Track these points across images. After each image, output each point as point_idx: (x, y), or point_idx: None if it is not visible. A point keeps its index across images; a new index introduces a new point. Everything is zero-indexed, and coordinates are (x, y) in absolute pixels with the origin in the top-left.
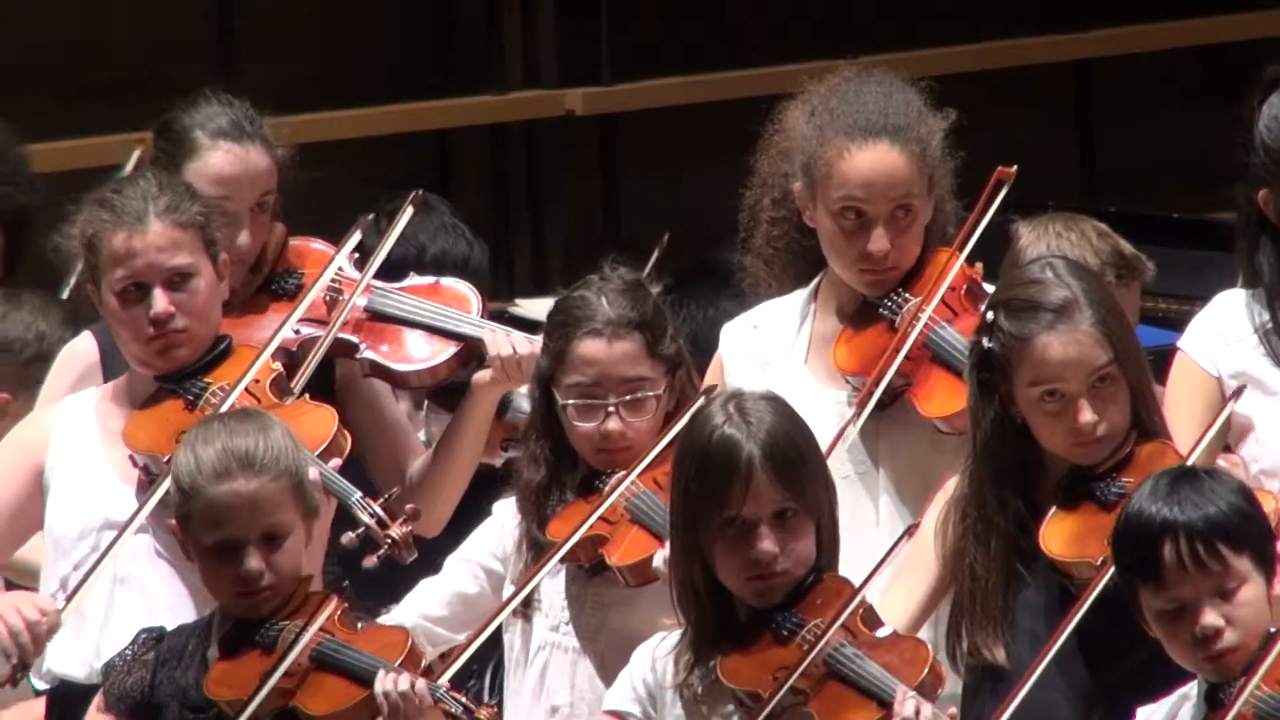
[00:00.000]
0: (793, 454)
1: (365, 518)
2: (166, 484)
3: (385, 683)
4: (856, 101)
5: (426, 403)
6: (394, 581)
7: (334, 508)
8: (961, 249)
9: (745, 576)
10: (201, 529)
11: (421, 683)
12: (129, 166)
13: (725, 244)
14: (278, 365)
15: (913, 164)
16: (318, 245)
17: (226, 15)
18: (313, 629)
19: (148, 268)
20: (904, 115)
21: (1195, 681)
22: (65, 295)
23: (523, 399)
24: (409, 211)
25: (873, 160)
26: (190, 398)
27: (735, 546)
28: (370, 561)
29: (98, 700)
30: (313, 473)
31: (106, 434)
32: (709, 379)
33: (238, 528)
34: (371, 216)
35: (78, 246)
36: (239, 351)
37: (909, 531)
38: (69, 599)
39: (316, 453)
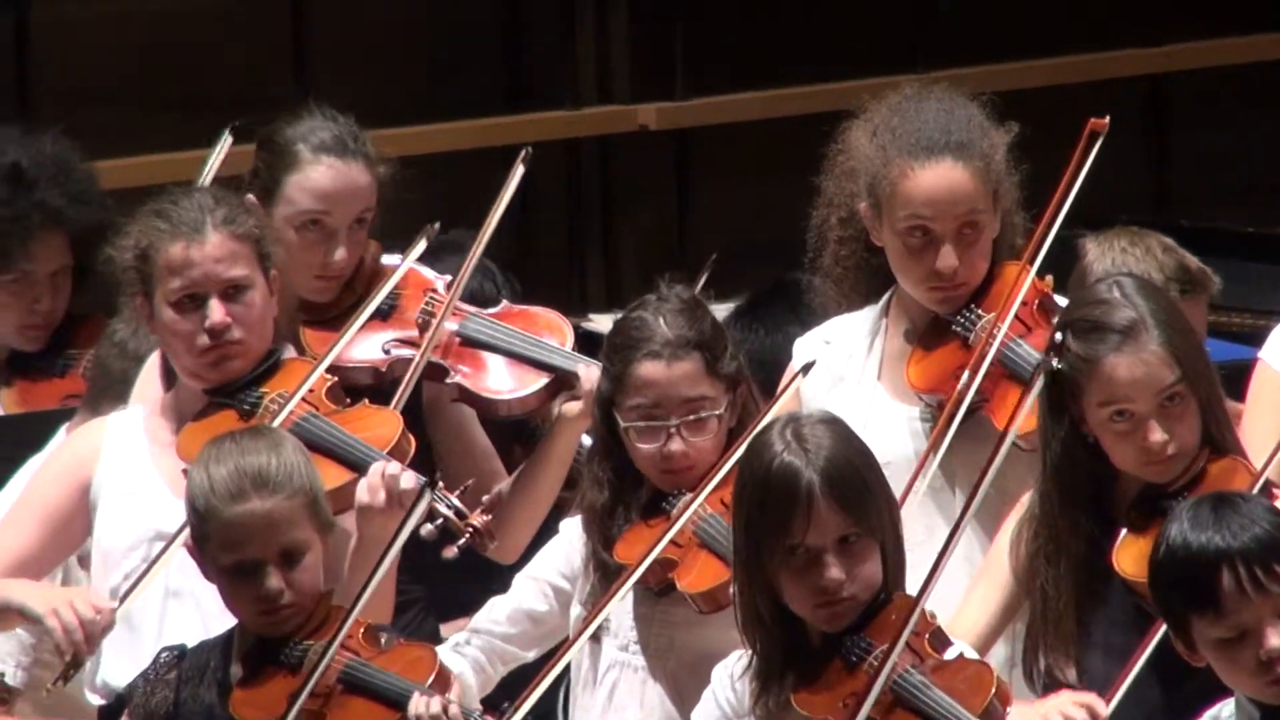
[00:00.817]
0: (853, 478)
1: (443, 508)
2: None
3: (419, 706)
4: (918, 119)
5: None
6: (464, 603)
7: (393, 522)
8: (1032, 261)
9: (813, 604)
10: (219, 550)
11: (455, 707)
12: (218, 152)
13: (798, 263)
14: (331, 376)
15: (977, 180)
16: (408, 264)
17: (300, 30)
18: (335, 648)
19: (205, 278)
20: (966, 131)
21: (1225, 703)
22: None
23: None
24: (482, 244)
25: (936, 178)
26: (246, 408)
27: (801, 574)
28: (450, 552)
29: None
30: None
31: (156, 447)
32: (779, 395)
33: (256, 548)
34: (436, 225)
35: (130, 258)
36: (289, 365)
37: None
38: (123, 598)
39: (387, 449)
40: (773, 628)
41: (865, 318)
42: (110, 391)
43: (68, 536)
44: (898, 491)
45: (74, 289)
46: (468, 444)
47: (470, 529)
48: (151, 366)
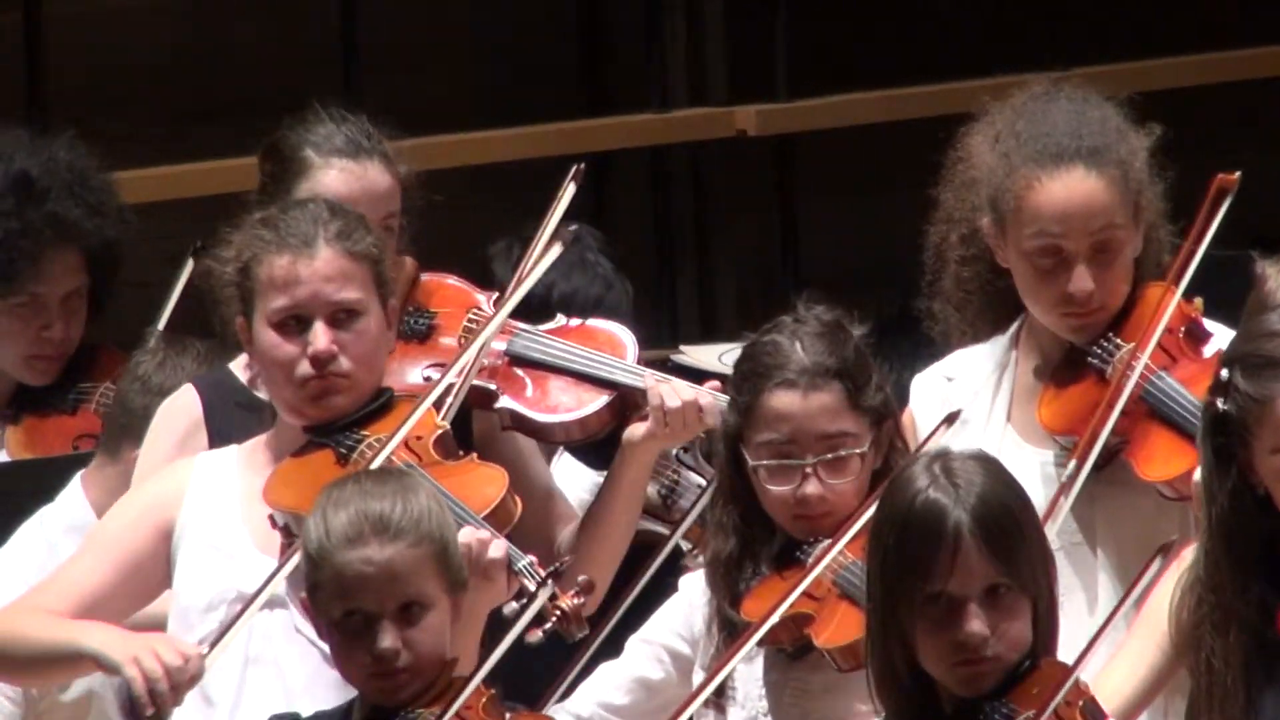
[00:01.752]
0: (1007, 522)
1: (532, 586)
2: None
3: None
4: (1045, 123)
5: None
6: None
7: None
8: (1177, 282)
9: (951, 662)
10: (331, 601)
11: None
12: (182, 278)
13: (915, 283)
14: (445, 423)
15: (1113, 190)
16: (454, 282)
17: (349, 25)
18: (449, 716)
19: (311, 298)
20: (1100, 135)
21: None
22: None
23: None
24: (557, 248)
25: (1067, 190)
26: (343, 450)
27: (939, 627)
28: (534, 636)
29: None
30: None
31: (248, 494)
32: (923, 443)
33: (370, 599)
34: (504, 244)
35: (231, 271)
36: (401, 407)
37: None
38: (213, 645)
39: (482, 516)
40: (909, 688)
41: (991, 350)
42: (131, 431)
43: (143, 584)
44: None
45: (89, 315)
46: (527, 481)
47: (558, 612)
48: (166, 419)
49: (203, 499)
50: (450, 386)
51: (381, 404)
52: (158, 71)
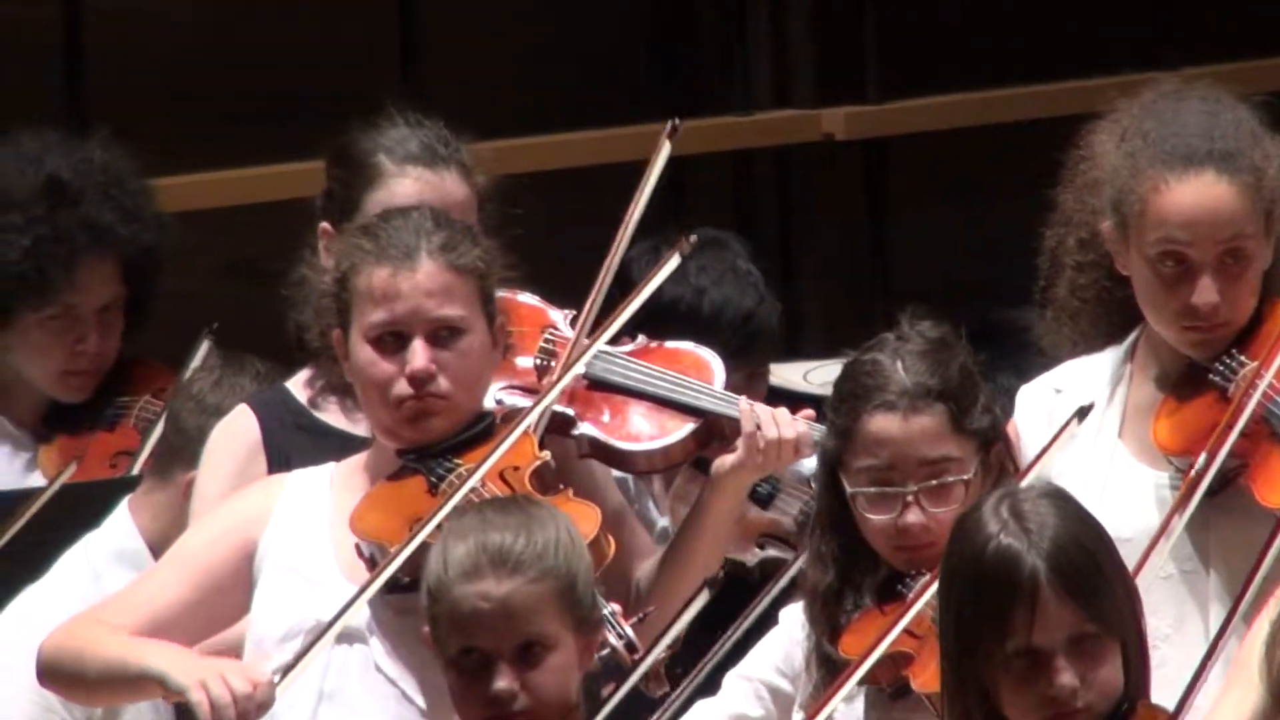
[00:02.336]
0: (1086, 564)
1: (613, 639)
2: (383, 578)
3: None
4: (1175, 123)
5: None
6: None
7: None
8: None
9: (1041, 717)
10: (447, 637)
11: None
12: (196, 359)
13: (1018, 298)
14: (546, 453)
15: (1245, 197)
16: (527, 299)
17: (410, 20)
18: None
19: (411, 314)
20: (1234, 139)
21: None
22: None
23: (790, 489)
24: (673, 260)
25: (1196, 195)
26: (434, 479)
27: (1025, 682)
28: (609, 688)
29: None
30: None
31: (338, 518)
32: (1046, 448)
33: (487, 637)
34: (694, 237)
35: (329, 282)
36: (501, 433)
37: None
38: (285, 673)
39: None
40: None
41: (1106, 362)
42: (184, 453)
43: (220, 607)
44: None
45: (127, 328)
46: (603, 512)
47: (638, 666)
48: (225, 442)
49: (289, 520)
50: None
51: (481, 429)
52: (203, 71)
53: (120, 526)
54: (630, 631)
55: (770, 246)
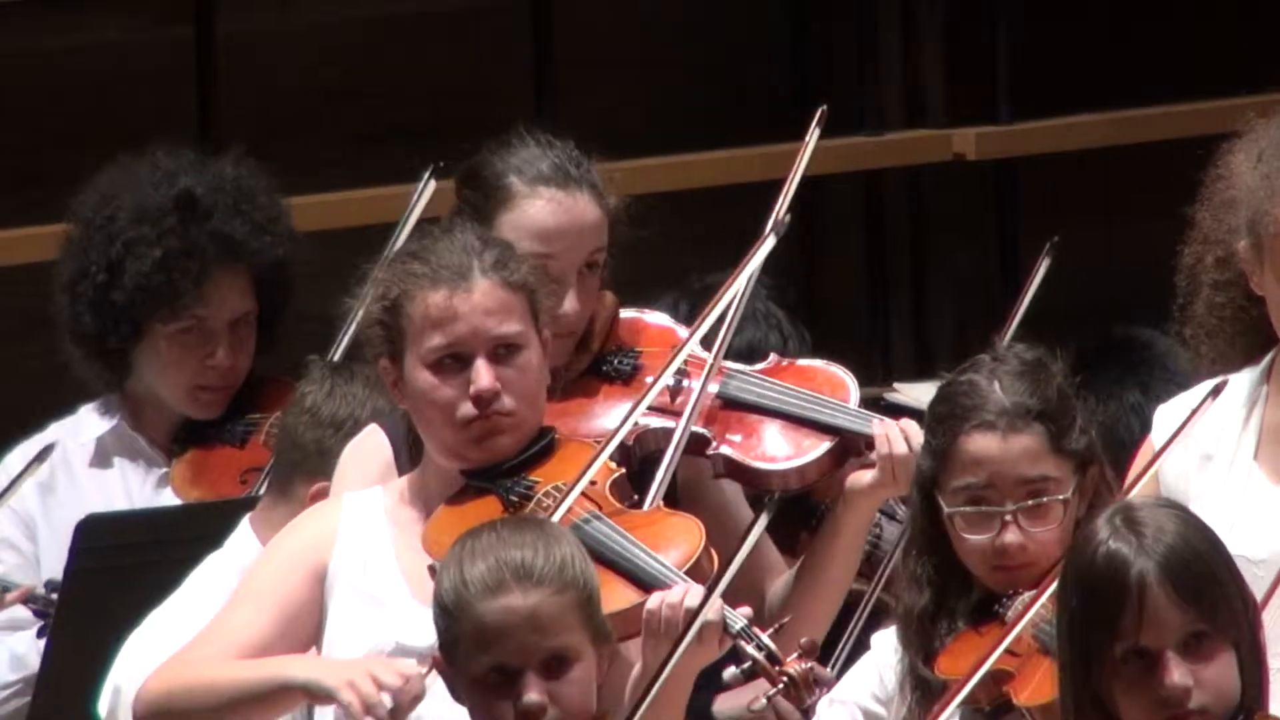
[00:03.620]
0: (1198, 567)
1: (753, 650)
2: None
3: None
4: None
5: None
6: None
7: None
8: None
9: (1156, 719)
10: (471, 655)
11: None
12: (418, 198)
13: (1150, 317)
14: (616, 465)
15: None
16: (654, 319)
17: (543, 42)
18: None
19: (471, 334)
20: None
21: None
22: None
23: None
24: (770, 240)
25: None
26: (513, 498)
27: (1137, 684)
28: (758, 704)
29: None
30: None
31: (401, 540)
32: (1135, 472)
33: (514, 651)
34: (670, 300)
35: (377, 310)
36: (566, 446)
37: None
38: (431, 667)
39: (684, 569)
40: None
41: (1242, 383)
42: (303, 468)
43: (301, 632)
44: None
45: (259, 345)
46: (737, 530)
47: (785, 679)
48: (358, 462)
49: (354, 543)
50: (632, 429)
51: (545, 445)
52: (336, 93)
53: (244, 544)
54: (769, 641)
55: (901, 266)
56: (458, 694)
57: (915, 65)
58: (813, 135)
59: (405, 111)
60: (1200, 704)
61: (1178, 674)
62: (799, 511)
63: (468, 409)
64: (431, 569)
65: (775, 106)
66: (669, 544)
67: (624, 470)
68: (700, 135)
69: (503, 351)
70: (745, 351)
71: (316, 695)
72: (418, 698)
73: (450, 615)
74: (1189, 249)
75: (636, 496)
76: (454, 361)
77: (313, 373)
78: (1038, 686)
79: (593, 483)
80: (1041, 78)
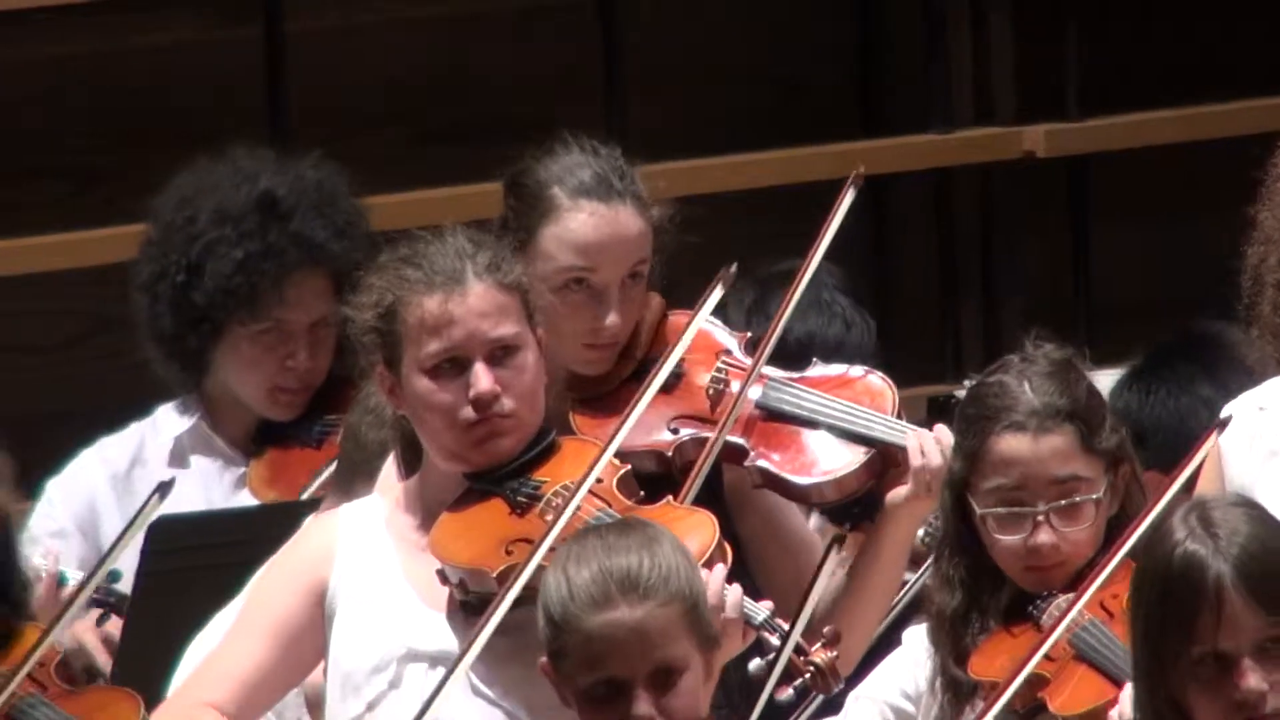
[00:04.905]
0: (1274, 569)
1: (777, 641)
2: (508, 602)
3: None
4: None
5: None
6: None
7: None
8: None
9: None
10: (578, 668)
11: None
12: None
13: (1220, 314)
14: (621, 462)
15: None
16: (706, 326)
17: (611, 43)
18: None
19: (468, 338)
20: None
21: None
22: None
23: None
24: (807, 275)
25: None
26: (520, 500)
27: (1213, 688)
28: (785, 693)
29: None
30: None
31: (403, 547)
32: (1207, 471)
33: (622, 665)
34: (734, 268)
35: (370, 318)
36: (567, 446)
37: None
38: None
39: (699, 564)
40: None
41: None
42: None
43: (301, 655)
44: None
45: (338, 347)
46: (784, 536)
47: (811, 668)
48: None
49: (355, 556)
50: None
51: (547, 445)
52: (405, 92)
53: None
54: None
55: (971, 264)
56: (566, 700)
57: (985, 62)
58: (845, 198)
59: (472, 110)
60: (1275, 708)
61: (1254, 678)
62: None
63: (468, 412)
64: (440, 574)
65: (843, 104)
66: (682, 538)
67: (629, 467)
68: (766, 134)
69: (500, 353)
70: (805, 340)
71: None
72: None
73: (557, 626)
74: (1252, 249)
75: (644, 493)
76: (452, 366)
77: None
78: (1073, 694)
79: (599, 480)
80: (1111, 74)
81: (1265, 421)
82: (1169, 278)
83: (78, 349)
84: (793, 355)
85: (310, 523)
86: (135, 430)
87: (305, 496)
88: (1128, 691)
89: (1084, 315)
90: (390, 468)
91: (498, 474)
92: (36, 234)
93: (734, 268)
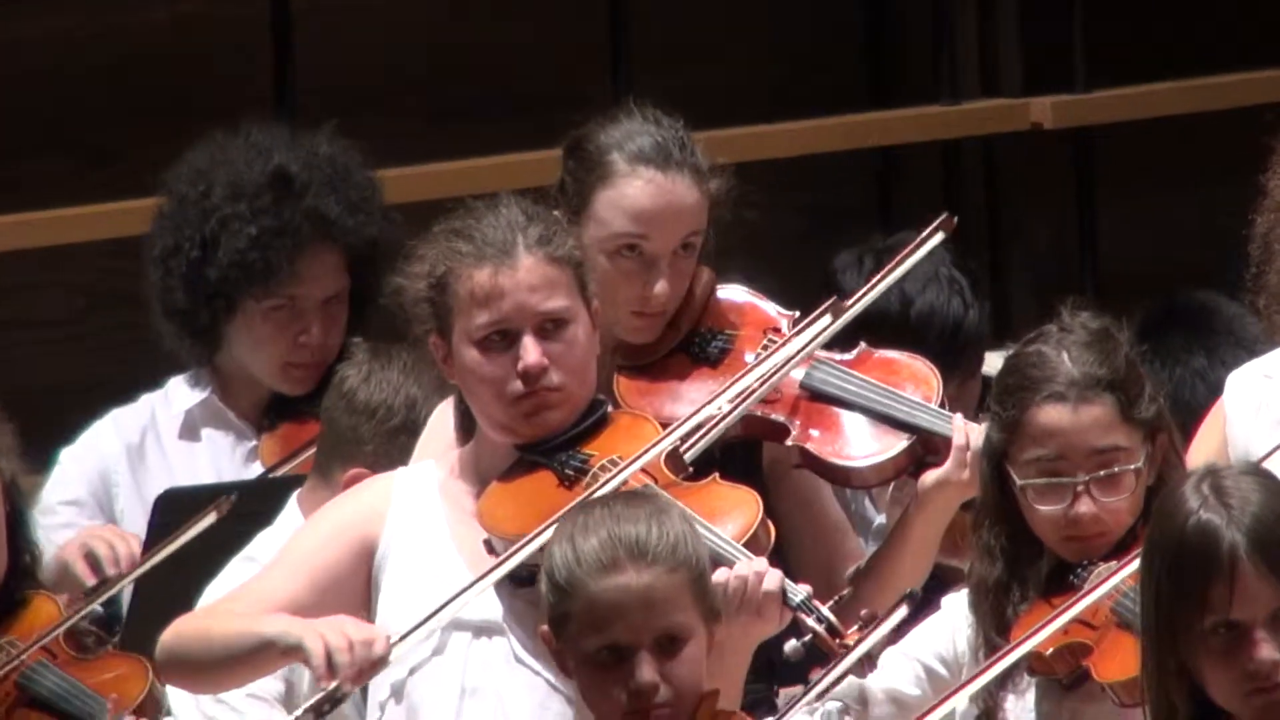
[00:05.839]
0: None
1: (812, 622)
2: (515, 561)
3: None
4: None
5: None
6: None
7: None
8: None
9: (1244, 692)
10: (582, 633)
11: None
12: None
13: (1228, 285)
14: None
15: None
16: (750, 299)
17: (619, 18)
18: None
19: (517, 311)
20: None
21: None
22: None
23: None
24: (929, 245)
25: None
26: (569, 472)
27: (1226, 657)
28: (817, 674)
29: None
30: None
31: (456, 516)
32: (1204, 436)
33: (627, 630)
34: (854, 254)
35: (424, 288)
36: (618, 420)
37: None
38: (403, 637)
39: (741, 543)
40: None
41: None
42: (339, 452)
43: (334, 601)
44: None
45: (351, 322)
46: (818, 517)
47: (845, 650)
48: (442, 416)
49: (407, 519)
50: (712, 416)
51: (598, 418)
52: (413, 68)
53: (293, 523)
54: (830, 615)
55: (978, 236)
56: (566, 668)
57: (991, 35)
58: (933, 238)
59: (481, 85)
60: None
61: (1267, 649)
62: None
63: (516, 385)
64: (487, 543)
65: (850, 77)
66: (726, 516)
67: (679, 443)
68: (775, 107)
69: (549, 327)
70: (926, 313)
71: (287, 650)
72: (380, 663)
73: (561, 591)
74: (1261, 217)
75: (692, 469)
76: (501, 338)
77: (354, 355)
78: (1117, 662)
79: None
80: (1117, 46)
81: (1272, 390)
82: (1176, 249)
83: (88, 323)
84: (893, 329)
85: (366, 482)
86: (146, 402)
87: (282, 473)
88: None
89: (1091, 286)
90: (432, 431)
91: (548, 446)
92: (46, 208)
93: (954, 218)
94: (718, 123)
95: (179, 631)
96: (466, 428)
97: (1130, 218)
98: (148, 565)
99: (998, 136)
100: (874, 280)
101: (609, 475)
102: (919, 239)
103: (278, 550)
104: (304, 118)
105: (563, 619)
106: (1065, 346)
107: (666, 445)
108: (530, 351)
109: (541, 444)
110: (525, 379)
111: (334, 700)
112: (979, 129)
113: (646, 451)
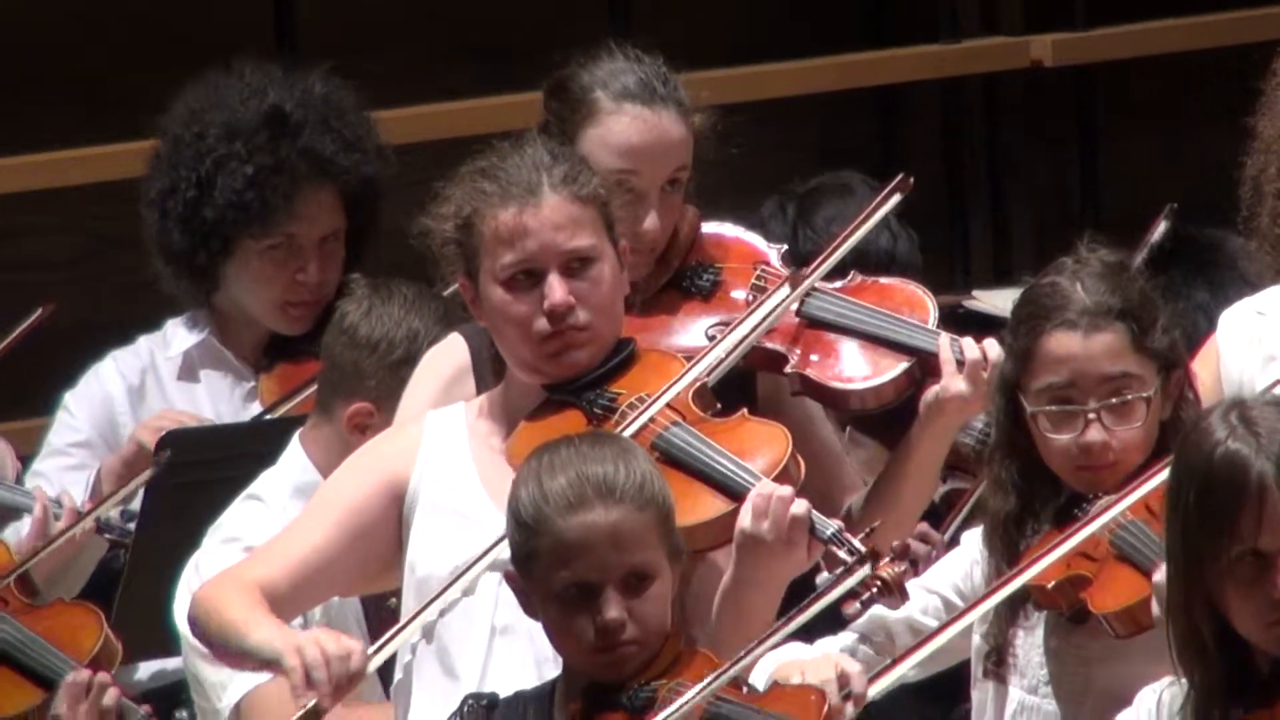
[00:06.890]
0: None
1: (845, 555)
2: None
3: None
4: None
5: (848, 429)
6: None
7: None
8: None
9: (1267, 620)
10: (549, 570)
11: None
12: None
13: (1218, 220)
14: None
15: None
16: (737, 234)
17: None
18: (702, 693)
19: (542, 250)
20: None
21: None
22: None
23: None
24: (887, 206)
25: None
26: (597, 411)
27: (1251, 587)
28: (851, 608)
29: None
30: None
31: (484, 455)
32: (1197, 371)
33: (595, 567)
34: (775, 203)
35: (450, 229)
36: (647, 358)
37: None
38: (379, 649)
39: (771, 478)
40: (1214, 654)
41: None
42: (341, 388)
43: (370, 549)
44: None
45: (348, 261)
46: (817, 446)
47: (879, 583)
48: (431, 366)
49: (437, 461)
50: (730, 351)
51: (625, 356)
52: (411, 9)
53: (296, 461)
54: (862, 545)
55: (979, 174)
56: (531, 609)
57: None
58: (891, 198)
59: (484, 26)
60: None
61: None
62: (899, 412)
63: (542, 324)
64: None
65: (851, 16)
66: (755, 451)
67: (705, 380)
68: (773, 45)
69: (575, 265)
70: (857, 252)
71: (266, 662)
72: (357, 676)
73: (528, 529)
74: (1251, 159)
75: (720, 405)
76: (527, 278)
77: (354, 291)
78: (1111, 593)
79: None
80: None
81: (1265, 326)
82: (1177, 186)
83: (86, 265)
84: (837, 266)
85: (395, 426)
86: (144, 344)
87: (281, 413)
88: (1158, 578)
89: (1092, 224)
90: (423, 365)
91: (575, 385)
92: (44, 150)
93: (910, 179)
94: (718, 63)
95: (201, 597)
96: (497, 370)
97: (1131, 155)
98: (97, 511)
99: (998, 75)
100: (834, 244)
101: (637, 412)
102: (876, 200)
103: (312, 498)
104: (305, 57)
105: (529, 557)
106: (1080, 277)
107: (688, 380)
108: (556, 290)
109: (569, 383)
110: (551, 318)
111: (314, 716)
112: (979, 67)
113: (670, 386)
